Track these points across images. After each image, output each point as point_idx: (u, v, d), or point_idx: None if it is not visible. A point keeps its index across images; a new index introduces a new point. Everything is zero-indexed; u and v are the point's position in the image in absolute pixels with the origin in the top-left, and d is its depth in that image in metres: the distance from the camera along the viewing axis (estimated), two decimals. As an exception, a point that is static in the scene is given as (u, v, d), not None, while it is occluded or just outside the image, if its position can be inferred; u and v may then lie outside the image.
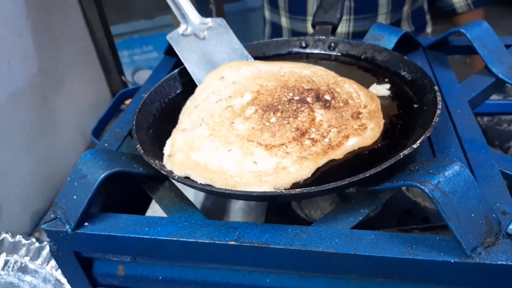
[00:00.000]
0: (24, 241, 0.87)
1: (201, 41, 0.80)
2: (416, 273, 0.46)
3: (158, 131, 0.66)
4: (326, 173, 0.55)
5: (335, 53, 0.81)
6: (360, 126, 0.59)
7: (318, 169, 0.55)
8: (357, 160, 0.56)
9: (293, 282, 0.53)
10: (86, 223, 0.54)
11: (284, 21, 1.27)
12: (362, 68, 0.76)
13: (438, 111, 0.55)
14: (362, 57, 0.78)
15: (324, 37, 0.82)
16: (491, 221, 0.45)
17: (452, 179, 0.45)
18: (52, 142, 1.06)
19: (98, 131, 0.74)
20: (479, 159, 0.56)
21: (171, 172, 0.56)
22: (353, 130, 0.59)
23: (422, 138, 0.51)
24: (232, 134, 0.61)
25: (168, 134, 0.64)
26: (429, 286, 0.50)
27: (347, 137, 0.58)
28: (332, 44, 0.81)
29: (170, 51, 0.92)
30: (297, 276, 0.53)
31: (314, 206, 0.90)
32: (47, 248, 0.86)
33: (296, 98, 0.65)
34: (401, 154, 0.50)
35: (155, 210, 0.87)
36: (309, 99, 0.64)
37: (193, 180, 0.54)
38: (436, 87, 0.60)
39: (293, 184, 0.53)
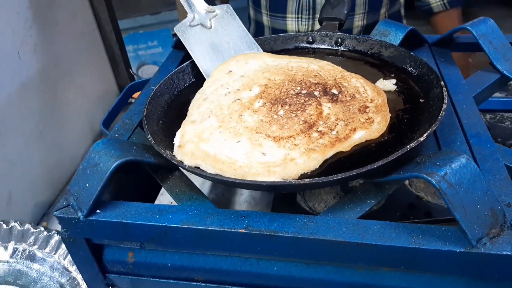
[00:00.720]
0: (32, 230, 0.88)
1: (208, 31, 0.81)
2: (422, 263, 0.47)
3: (168, 122, 0.67)
4: (334, 165, 0.56)
5: (341, 49, 0.82)
6: (367, 119, 0.60)
7: (325, 161, 0.56)
8: (364, 152, 0.57)
9: (300, 271, 0.55)
10: (98, 211, 0.55)
11: (265, 19, 1.29)
12: (369, 63, 0.77)
13: (444, 106, 0.56)
14: (369, 52, 0.79)
15: (331, 33, 0.83)
16: (496, 213, 0.46)
17: (459, 171, 0.46)
18: (61, 133, 1.07)
19: (107, 122, 0.75)
20: (484, 153, 0.57)
21: (182, 162, 0.57)
22: (360, 123, 0.60)
23: (428, 131, 0.52)
24: (241, 126, 0.62)
25: (178, 126, 0.65)
26: (434, 276, 0.51)
27: (354, 130, 0.59)
28: (339, 40, 0.82)
29: (178, 45, 0.93)
30: (304, 265, 0.55)
31: (318, 199, 0.91)
32: (55, 237, 0.87)
33: (304, 92, 0.66)
34: (408, 146, 0.51)
35: (161, 201, 0.88)
36: (316, 93, 0.66)
37: (203, 170, 0.55)
38: (442, 82, 0.61)
39: (301, 175, 0.54)
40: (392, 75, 0.71)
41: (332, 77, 0.69)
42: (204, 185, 1.00)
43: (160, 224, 0.52)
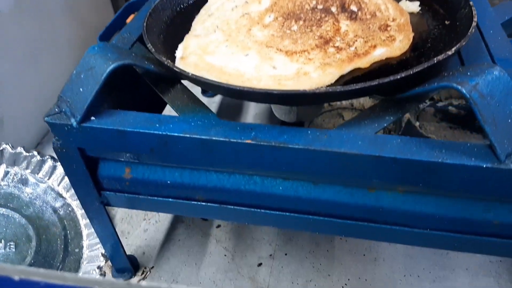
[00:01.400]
0: (25, 153, 0.84)
1: None
2: (443, 180, 0.43)
3: (170, 36, 0.62)
4: (350, 82, 0.51)
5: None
6: (388, 37, 0.55)
7: (341, 78, 0.51)
8: (384, 70, 0.53)
9: (307, 191, 0.51)
10: (92, 118, 0.51)
11: None
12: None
13: (474, 23, 0.51)
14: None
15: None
16: (527, 131, 0.42)
17: (491, 82, 0.42)
18: (55, 59, 1.01)
19: (105, 37, 0.70)
20: (513, 76, 0.52)
21: (184, 71, 0.52)
22: (380, 41, 0.55)
23: (457, 45, 0.48)
24: (250, 40, 0.57)
25: (180, 40, 0.60)
26: (449, 199, 0.48)
27: (374, 47, 0.54)
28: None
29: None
30: (311, 185, 0.51)
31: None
32: (49, 162, 0.83)
33: (320, 7, 0.61)
34: (434, 59, 0.46)
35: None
36: (333, 9, 0.60)
37: (208, 79, 0.51)
38: (471, 2, 0.56)
39: (315, 90, 0.49)
40: (416, -4, 0.66)
41: (350, -6, 0.63)
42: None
43: (160, 133, 0.48)
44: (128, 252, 0.74)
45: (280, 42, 0.56)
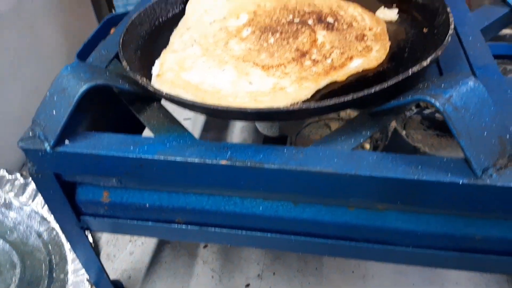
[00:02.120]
0: (8, 176, 0.83)
1: None
2: (421, 197, 0.43)
3: (147, 52, 0.61)
4: (327, 96, 0.51)
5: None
6: (364, 47, 0.55)
7: (318, 92, 0.51)
8: (361, 82, 0.52)
9: (287, 211, 0.50)
10: (66, 141, 0.50)
11: None
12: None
13: (451, 31, 0.51)
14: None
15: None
16: (504, 142, 0.42)
17: (466, 94, 0.41)
18: (38, 72, 1.00)
19: (84, 55, 0.69)
20: (491, 84, 0.52)
21: (159, 90, 0.51)
22: (357, 51, 0.54)
23: (432, 55, 0.47)
24: (227, 54, 0.56)
25: (158, 55, 0.59)
26: (431, 215, 0.47)
27: (350, 58, 0.53)
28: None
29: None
30: (292, 204, 0.50)
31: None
32: (33, 185, 0.82)
33: (297, 20, 0.60)
34: (409, 70, 0.45)
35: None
36: (310, 21, 0.60)
37: (183, 98, 0.50)
38: (449, 8, 0.55)
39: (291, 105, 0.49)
40: (394, 4, 0.65)
41: (327, 6, 0.63)
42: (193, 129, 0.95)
43: (135, 156, 0.47)
44: (113, 276, 0.73)
45: (257, 56, 0.55)
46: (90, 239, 0.67)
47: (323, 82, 0.51)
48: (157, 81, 0.54)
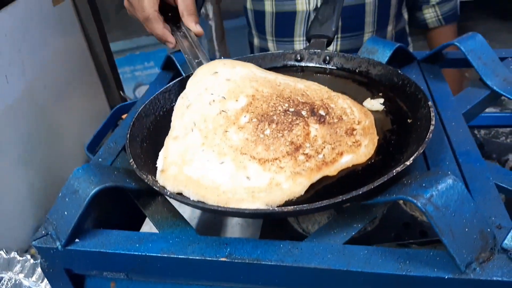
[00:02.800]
0: (18, 258, 0.86)
1: None
2: (410, 290, 0.45)
3: (153, 144, 0.66)
4: (320, 190, 0.54)
5: (330, 67, 0.81)
6: (354, 142, 0.59)
7: (311, 186, 0.55)
8: (351, 177, 0.56)
9: (286, 300, 0.53)
10: (77, 240, 0.53)
11: (271, 46, 1.29)
12: (357, 81, 0.76)
13: (432, 127, 0.55)
14: (357, 70, 0.78)
15: (319, 51, 0.82)
16: (486, 236, 0.45)
17: (445, 193, 0.44)
18: (50, 156, 1.06)
19: (93, 146, 0.74)
20: (473, 172, 0.55)
21: (164, 188, 0.55)
22: (347, 147, 0.58)
23: (415, 155, 0.51)
24: (226, 144, 0.60)
25: (162, 146, 0.64)
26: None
27: (341, 154, 0.57)
28: (327, 58, 0.81)
29: (166, 66, 0.92)
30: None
31: (312, 220, 0.89)
32: (42, 265, 0.85)
33: (292, 109, 0.65)
34: (394, 171, 0.49)
35: (152, 226, 0.86)
36: (304, 113, 0.64)
37: (185, 197, 0.54)
38: (430, 102, 0.60)
39: (286, 201, 0.52)
40: (380, 94, 0.70)
41: (319, 97, 0.68)
42: (194, 209, 0.98)
43: (140, 254, 0.51)
44: None
45: (254, 149, 0.59)
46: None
47: (315, 177, 0.55)
48: (161, 177, 0.58)
